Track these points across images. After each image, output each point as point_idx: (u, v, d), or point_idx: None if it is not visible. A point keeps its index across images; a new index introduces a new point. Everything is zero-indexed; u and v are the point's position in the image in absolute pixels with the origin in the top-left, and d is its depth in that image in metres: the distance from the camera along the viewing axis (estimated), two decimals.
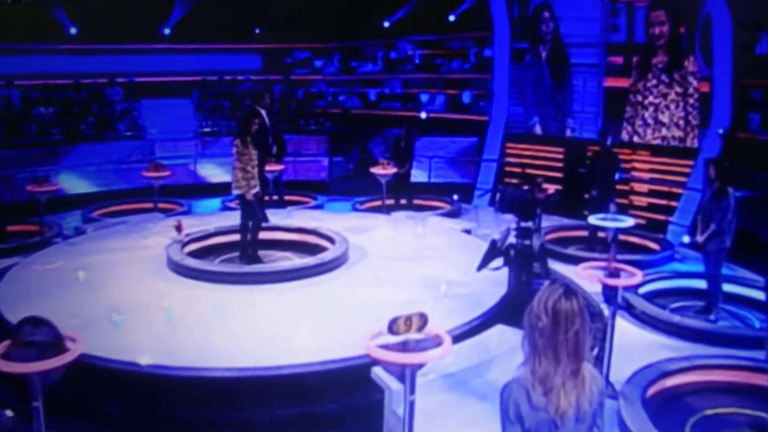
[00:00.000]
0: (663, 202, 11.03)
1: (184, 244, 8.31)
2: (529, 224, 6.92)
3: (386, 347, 3.95)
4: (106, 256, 8.30)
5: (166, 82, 15.99)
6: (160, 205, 11.31)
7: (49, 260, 8.20)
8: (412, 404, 3.98)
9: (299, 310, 6.66)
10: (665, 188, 11.05)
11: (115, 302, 6.68)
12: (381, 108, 16.97)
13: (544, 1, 12.73)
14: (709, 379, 5.67)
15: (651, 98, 11.41)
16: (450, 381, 5.18)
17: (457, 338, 5.45)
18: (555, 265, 7.99)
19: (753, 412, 5.27)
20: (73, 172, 13.17)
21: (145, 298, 6.91)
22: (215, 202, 12.60)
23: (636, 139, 11.64)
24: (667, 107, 11.23)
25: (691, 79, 10.91)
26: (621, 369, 5.46)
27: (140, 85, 15.81)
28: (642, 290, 7.49)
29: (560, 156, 12.61)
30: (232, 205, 10.77)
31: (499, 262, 7.24)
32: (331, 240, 8.54)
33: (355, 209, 12.01)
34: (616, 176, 9.87)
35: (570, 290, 2.38)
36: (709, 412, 5.31)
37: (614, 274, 5.40)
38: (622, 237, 9.00)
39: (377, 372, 4.96)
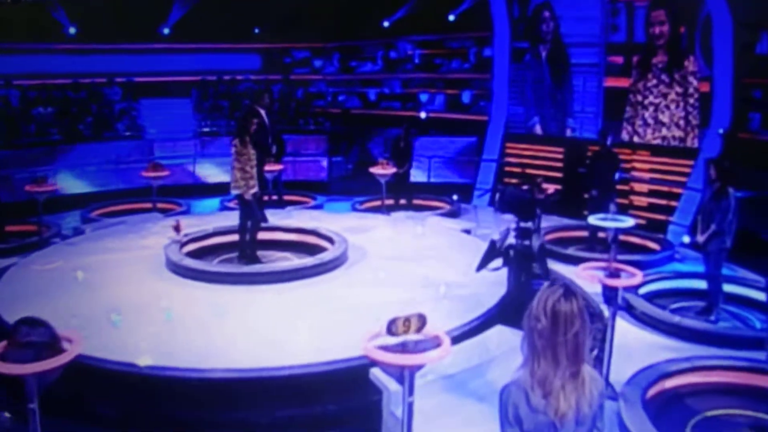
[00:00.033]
0: (663, 202, 11.01)
1: (183, 245, 8.29)
2: (529, 224, 6.89)
3: (385, 348, 3.93)
4: (104, 257, 8.28)
5: (165, 82, 15.99)
6: (159, 205, 11.29)
7: (48, 260, 8.17)
8: (410, 405, 3.96)
9: (298, 311, 6.64)
10: (665, 188, 11.03)
11: (113, 302, 6.66)
12: (381, 108, 16.96)
13: (545, 0, 12.71)
14: (710, 380, 5.65)
15: (651, 98, 11.40)
16: (449, 382, 5.16)
17: (457, 339, 5.44)
18: (555, 266, 7.96)
19: (754, 414, 5.26)
20: (71, 172, 13.16)
21: (144, 299, 6.89)
22: (214, 202, 12.58)
23: (636, 139, 11.62)
24: (667, 107, 11.21)
25: (691, 78, 10.89)
26: (621, 370, 5.43)
27: (139, 84, 15.81)
28: (642, 291, 7.47)
29: (560, 156, 12.59)
30: (231, 205, 10.75)
31: (498, 262, 7.21)
32: (330, 240, 8.52)
33: (354, 209, 11.99)
34: (616, 176, 9.84)
35: (570, 291, 2.35)
36: (710, 413, 5.29)
37: (614, 274, 5.38)
38: (622, 237, 8.97)
39: (376, 373, 4.93)
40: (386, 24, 15.63)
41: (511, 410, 2.36)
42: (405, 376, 3.89)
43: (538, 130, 13.20)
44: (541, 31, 12.77)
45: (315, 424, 5.26)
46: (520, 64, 13.29)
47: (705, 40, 10.61)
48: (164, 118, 15.21)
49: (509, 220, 7.22)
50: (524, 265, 6.94)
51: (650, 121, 11.44)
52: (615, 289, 5.34)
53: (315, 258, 7.94)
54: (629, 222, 7.48)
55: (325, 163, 15.02)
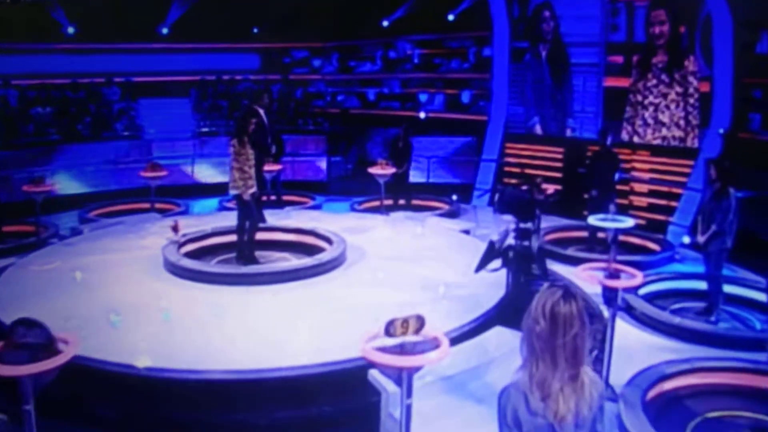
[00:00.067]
0: (663, 202, 10.99)
1: (181, 245, 8.27)
2: (529, 225, 6.86)
3: (383, 350, 3.90)
4: (102, 257, 8.26)
5: (164, 82, 15.96)
6: (157, 206, 11.27)
7: (46, 261, 8.15)
8: (409, 407, 3.93)
9: (297, 311, 6.62)
10: (665, 188, 11.01)
11: (112, 303, 6.64)
12: (380, 108, 16.92)
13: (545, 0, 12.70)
14: (710, 381, 5.63)
15: (651, 98, 11.37)
16: (448, 383, 5.13)
17: (455, 340, 5.41)
18: (554, 266, 7.94)
19: (754, 415, 5.23)
20: (70, 172, 13.12)
21: (143, 299, 6.87)
22: (212, 203, 12.56)
23: (636, 139, 11.60)
24: (668, 107, 11.19)
25: (691, 78, 10.87)
26: (621, 371, 5.41)
27: (138, 84, 15.78)
28: (642, 291, 7.45)
29: (560, 156, 12.57)
30: (230, 205, 10.72)
31: (497, 263, 7.19)
32: (329, 240, 8.49)
33: (353, 209, 11.97)
34: (616, 176, 9.83)
35: (569, 293, 2.33)
36: (710, 414, 5.27)
37: (614, 275, 5.36)
38: (622, 237, 8.96)
39: (374, 374, 4.90)
40: (385, 24, 15.59)
41: (510, 413, 2.34)
42: (403, 377, 3.86)
43: (537, 130, 13.17)
44: (542, 31, 12.75)
45: (313, 425, 5.24)
46: (519, 63, 13.27)
47: (705, 39, 10.59)
48: (163, 118, 15.17)
49: (509, 220, 7.20)
50: (523, 266, 6.92)
51: (650, 121, 11.42)
52: (615, 290, 5.31)
53: (313, 258, 7.91)
54: (629, 222, 7.46)
55: (324, 163, 14.99)
